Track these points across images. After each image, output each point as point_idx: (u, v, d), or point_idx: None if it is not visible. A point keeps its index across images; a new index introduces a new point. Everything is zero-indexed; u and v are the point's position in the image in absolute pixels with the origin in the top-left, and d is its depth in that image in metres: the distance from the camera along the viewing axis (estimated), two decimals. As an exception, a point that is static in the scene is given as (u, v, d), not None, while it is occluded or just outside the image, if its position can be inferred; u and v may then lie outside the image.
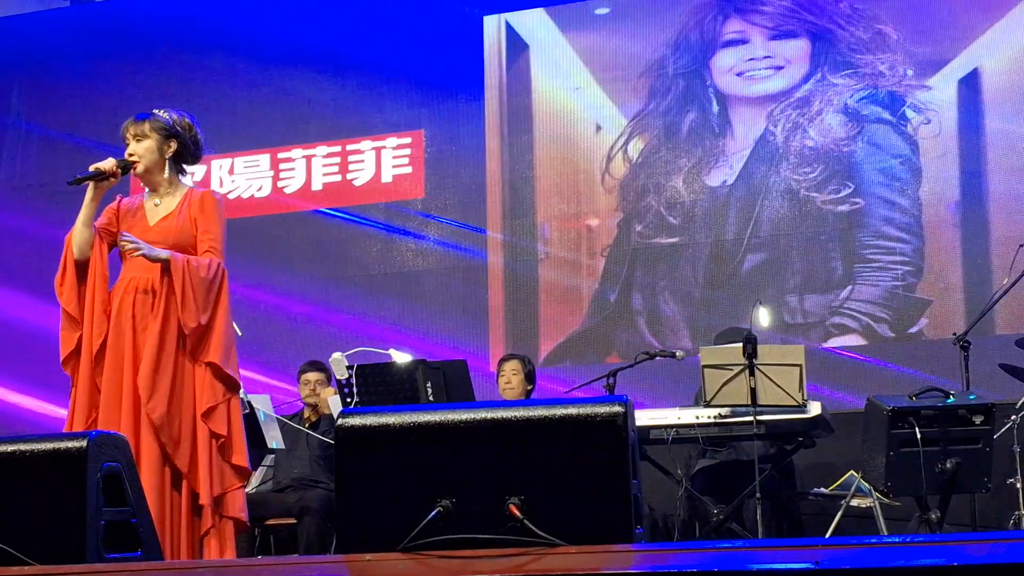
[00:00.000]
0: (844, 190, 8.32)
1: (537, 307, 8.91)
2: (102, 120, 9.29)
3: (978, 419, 5.82)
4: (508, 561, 2.78)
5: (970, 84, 8.20)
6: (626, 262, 8.75)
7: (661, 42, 8.88)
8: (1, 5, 10.49)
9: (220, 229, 4.81)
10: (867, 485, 6.46)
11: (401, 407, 3.24)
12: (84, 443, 3.36)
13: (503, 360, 7.64)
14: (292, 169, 9.66)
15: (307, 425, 7.54)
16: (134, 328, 4.66)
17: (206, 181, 9.61)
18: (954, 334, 6.81)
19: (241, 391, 5.06)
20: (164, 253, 4.64)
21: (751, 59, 8.67)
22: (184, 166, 4.93)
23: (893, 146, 8.30)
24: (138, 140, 4.80)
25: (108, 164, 4.75)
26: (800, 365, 6.27)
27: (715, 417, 6.48)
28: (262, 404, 7.17)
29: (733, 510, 6.64)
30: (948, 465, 5.74)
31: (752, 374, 6.22)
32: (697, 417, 6.53)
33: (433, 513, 2.95)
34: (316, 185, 9.58)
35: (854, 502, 6.66)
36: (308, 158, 9.63)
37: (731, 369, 6.28)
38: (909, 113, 8.28)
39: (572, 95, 9.06)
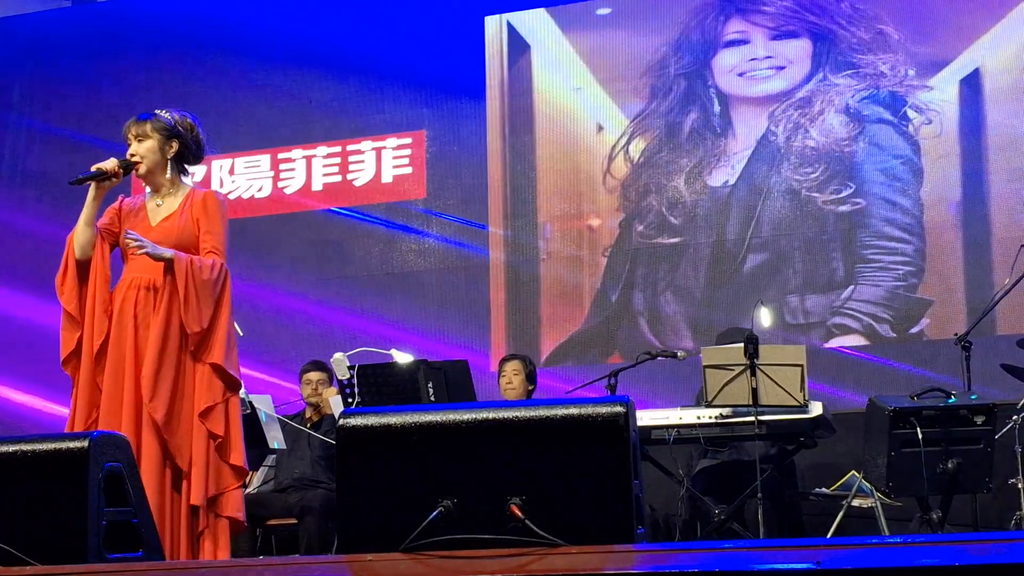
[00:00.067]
0: (845, 190, 8.32)
1: (538, 307, 8.91)
2: (103, 119, 9.30)
3: (979, 419, 5.82)
4: (509, 561, 2.78)
5: (971, 84, 8.20)
6: (627, 262, 8.75)
7: (662, 42, 8.88)
8: (2, 5, 10.50)
9: (223, 230, 4.81)
10: (868, 485, 6.46)
11: (402, 407, 3.24)
12: (85, 443, 3.36)
13: (504, 360, 7.64)
14: (292, 169, 9.66)
15: (308, 425, 7.54)
16: (136, 326, 4.66)
17: (206, 181, 9.61)
18: (955, 334, 6.81)
19: (242, 391, 5.07)
20: (168, 252, 4.64)
21: (752, 59, 8.67)
22: (186, 166, 4.93)
23: (894, 146, 8.30)
24: (140, 140, 4.81)
25: (110, 164, 4.75)
26: (801, 365, 6.27)
27: (716, 417, 6.48)
28: (263, 404, 7.17)
29: (734, 510, 6.64)
30: (949, 465, 5.74)
31: (753, 374, 6.22)
32: (698, 417, 6.52)
33: (434, 513, 2.95)
34: (316, 185, 9.58)
35: (855, 502, 6.66)
36: (308, 158, 9.63)
37: (732, 369, 6.28)
38: (910, 113, 8.28)
39: (573, 95, 9.07)
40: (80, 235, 4.74)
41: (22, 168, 10.26)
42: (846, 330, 8.20)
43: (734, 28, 8.74)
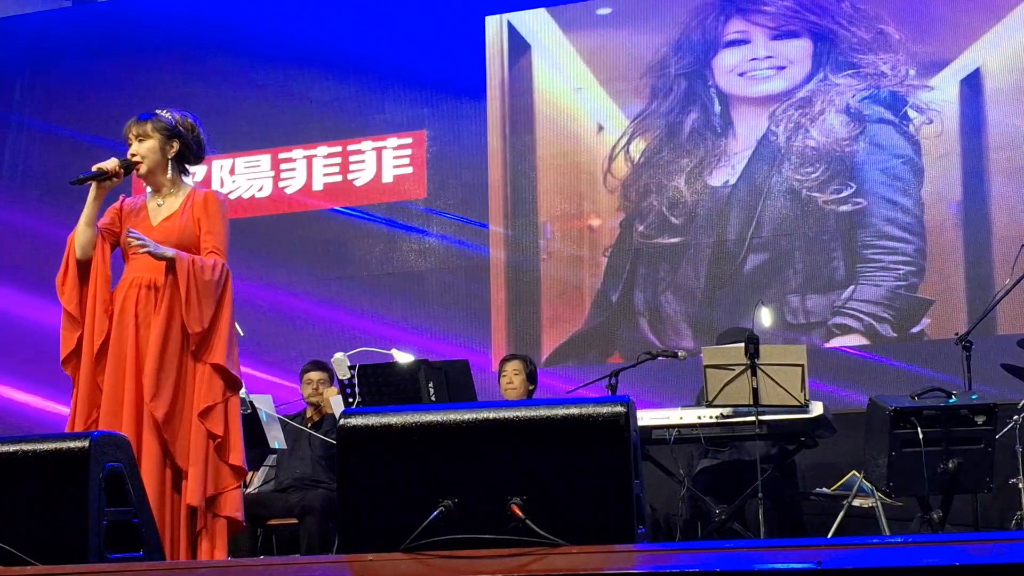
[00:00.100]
0: (846, 190, 8.32)
1: (539, 307, 8.91)
2: (104, 119, 9.29)
3: (980, 419, 5.82)
4: (510, 561, 2.78)
5: (972, 84, 8.20)
6: (628, 262, 8.75)
7: (663, 42, 8.88)
8: (3, 5, 10.50)
9: (224, 230, 4.81)
10: (869, 485, 6.46)
11: (403, 407, 3.25)
12: (86, 443, 3.36)
13: (505, 360, 7.64)
14: (293, 169, 9.66)
15: (309, 425, 7.54)
16: (137, 325, 4.66)
17: (207, 181, 9.61)
18: (956, 334, 6.81)
19: (243, 391, 5.07)
20: (170, 252, 4.64)
21: (753, 59, 8.67)
22: (187, 166, 4.93)
23: (895, 146, 8.30)
24: (141, 140, 4.81)
25: (111, 164, 4.75)
26: (802, 365, 6.27)
27: (717, 417, 6.48)
28: (264, 404, 7.17)
29: (735, 510, 6.64)
30: (950, 465, 5.74)
31: (754, 374, 6.22)
32: (699, 417, 6.52)
33: (435, 513, 2.95)
34: (317, 185, 9.58)
35: (856, 502, 6.65)
36: (309, 158, 9.63)
37: (733, 369, 6.28)
38: (911, 113, 8.28)
39: (574, 95, 9.07)
40: (81, 235, 4.74)
41: (23, 168, 10.26)
42: (847, 330, 8.20)
43: (735, 28, 8.74)
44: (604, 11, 9.09)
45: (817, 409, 6.41)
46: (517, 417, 3.04)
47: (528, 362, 7.56)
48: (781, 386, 6.22)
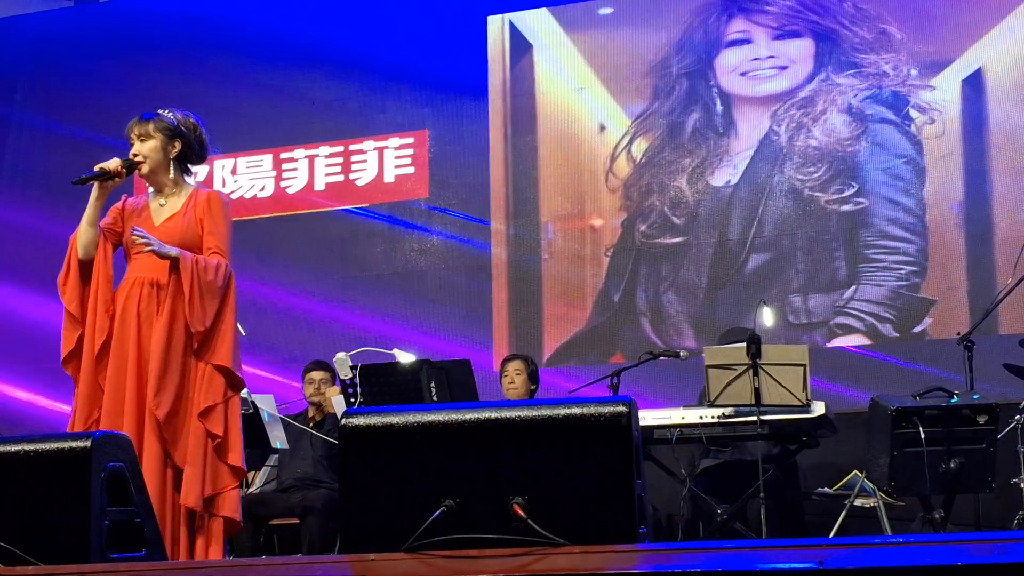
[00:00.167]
0: (848, 190, 8.31)
1: (541, 307, 8.91)
2: (106, 119, 9.28)
3: (982, 419, 5.82)
4: (512, 561, 2.78)
5: (974, 84, 8.20)
6: (630, 262, 8.74)
7: (665, 42, 8.88)
8: (5, 5, 10.50)
9: (227, 230, 4.82)
10: (871, 485, 6.46)
11: (405, 407, 3.25)
12: (88, 443, 3.37)
13: (506, 360, 7.65)
14: (295, 169, 9.66)
15: (311, 425, 7.54)
16: (139, 324, 4.66)
17: (209, 181, 9.61)
18: (958, 334, 6.81)
19: (245, 391, 5.07)
20: (174, 251, 4.64)
21: (755, 59, 8.67)
22: (189, 166, 4.93)
23: (897, 146, 8.30)
24: (142, 140, 4.81)
25: (113, 164, 4.75)
26: (804, 365, 6.27)
27: (719, 417, 6.47)
28: (266, 404, 7.17)
29: (737, 510, 6.64)
30: (952, 465, 5.74)
31: (756, 374, 6.22)
32: (701, 417, 6.52)
33: (437, 513, 2.95)
34: (319, 185, 9.58)
35: (858, 502, 6.65)
36: (311, 158, 9.63)
37: (735, 369, 6.28)
38: (913, 113, 8.28)
39: (576, 95, 9.07)
40: (83, 235, 4.74)
41: (25, 167, 10.27)
42: (849, 330, 8.20)
43: (736, 28, 8.74)
44: (606, 11, 9.09)
45: (819, 409, 6.41)
46: (519, 417, 3.04)
47: (530, 362, 7.56)
48: (783, 386, 6.22)
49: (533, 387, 7.50)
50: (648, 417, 6.49)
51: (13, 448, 3.40)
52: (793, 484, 7.09)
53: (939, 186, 8.20)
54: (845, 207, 8.31)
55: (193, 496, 4.56)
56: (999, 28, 8.16)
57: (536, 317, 8.90)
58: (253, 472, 7.62)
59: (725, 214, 8.57)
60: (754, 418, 6.31)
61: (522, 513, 2.93)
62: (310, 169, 9.62)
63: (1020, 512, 6.06)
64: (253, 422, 6.85)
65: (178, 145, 4.83)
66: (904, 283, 8.14)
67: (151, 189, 4.91)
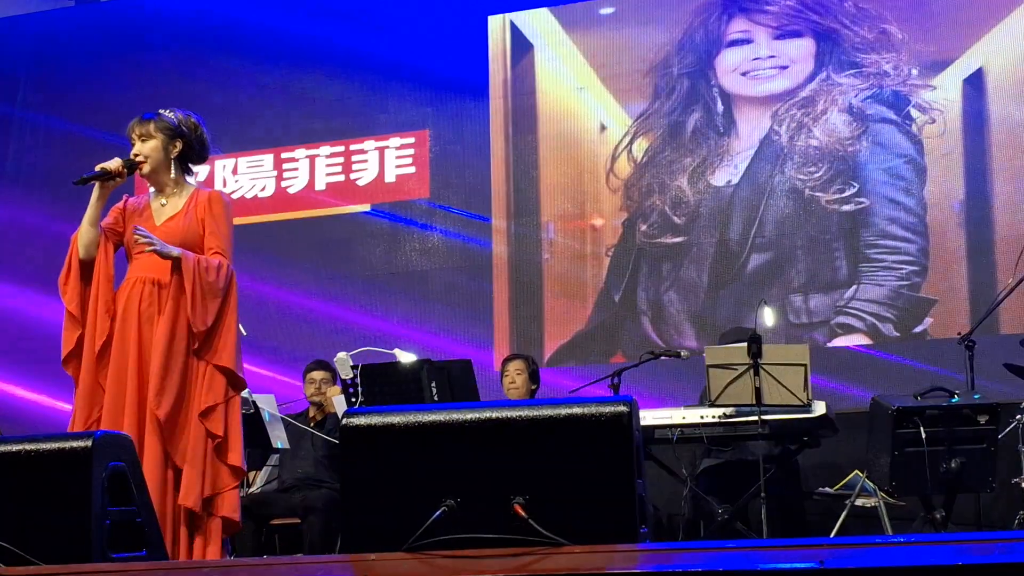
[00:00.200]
0: (849, 190, 8.31)
1: (542, 307, 8.91)
2: (107, 118, 9.30)
3: (983, 419, 5.82)
4: (513, 561, 2.78)
5: (975, 83, 8.19)
6: (631, 261, 8.74)
7: (666, 42, 8.88)
8: (6, 5, 10.51)
9: (228, 231, 4.82)
10: (872, 485, 6.46)
11: (406, 407, 3.25)
12: (89, 443, 3.37)
13: (507, 360, 7.66)
14: (296, 169, 9.66)
15: (312, 424, 7.54)
16: (140, 323, 4.66)
17: (209, 181, 9.61)
18: (959, 334, 6.81)
19: (246, 390, 5.07)
20: (176, 251, 4.65)
21: (756, 59, 8.67)
22: (190, 166, 4.93)
23: (898, 145, 8.30)
24: (143, 140, 4.81)
25: (114, 164, 4.75)
26: (805, 365, 6.26)
27: (720, 417, 6.47)
28: (267, 404, 7.17)
29: (738, 510, 6.64)
30: (953, 465, 5.74)
31: (757, 374, 6.22)
32: (702, 417, 6.52)
33: (438, 513, 2.95)
34: (320, 185, 9.58)
35: (859, 502, 6.65)
36: (312, 158, 9.63)
37: (736, 369, 6.28)
38: (914, 112, 8.28)
39: (577, 95, 9.07)
40: (84, 235, 4.74)
41: (26, 166, 10.27)
42: (849, 329, 8.20)
43: (737, 27, 8.74)
44: (607, 11, 9.09)
45: (820, 409, 6.41)
46: (520, 417, 3.04)
47: (530, 362, 7.57)
48: (784, 386, 6.22)
49: (534, 387, 7.50)
50: (649, 417, 6.49)
51: (14, 448, 3.41)
52: (794, 484, 7.09)
53: (940, 186, 8.20)
54: (846, 207, 8.31)
55: (192, 496, 4.56)
56: (1000, 27, 8.16)
57: (537, 317, 8.91)
58: (254, 472, 7.63)
59: (726, 214, 8.57)
60: (755, 418, 6.31)
61: (523, 513, 2.93)
62: (311, 169, 9.62)
63: (1021, 512, 6.06)
64: (254, 422, 6.86)
65: (179, 145, 4.83)
66: (905, 283, 8.14)
67: (152, 189, 4.91)
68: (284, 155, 9.70)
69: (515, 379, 7.44)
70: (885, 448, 5.83)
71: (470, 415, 3.07)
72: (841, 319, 8.22)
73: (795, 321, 8.30)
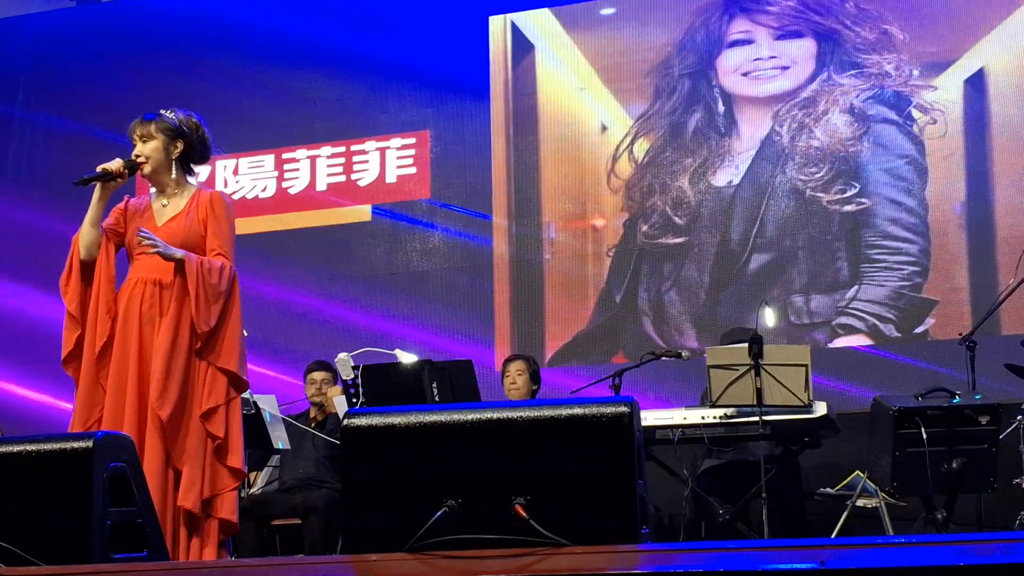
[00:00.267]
0: (850, 190, 8.31)
1: (543, 307, 8.91)
2: (108, 119, 9.30)
3: (984, 419, 5.82)
4: (514, 561, 2.78)
5: (976, 84, 8.19)
6: (632, 262, 8.74)
7: (667, 42, 8.88)
8: (7, 5, 10.51)
9: (230, 232, 4.81)
10: (873, 485, 6.46)
11: (407, 407, 3.25)
12: (90, 443, 3.37)
13: (508, 360, 7.65)
14: (296, 170, 9.66)
15: (313, 425, 7.54)
16: (141, 324, 4.66)
17: (210, 181, 9.61)
18: (960, 334, 6.81)
19: (247, 391, 5.06)
20: (179, 253, 4.64)
21: (757, 59, 8.67)
22: (192, 166, 4.93)
23: (899, 146, 8.29)
24: (144, 141, 4.81)
25: (115, 165, 4.75)
26: (806, 365, 6.26)
27: (721, 417, 6.47)
28: (267, 404, 7.17)
29: (739, 510, 6.63)
30: (954, 465, 5.73)
31: (758, 374, 6.22)
32: (703, 417, 6.52)
33: (439, 513, 2.95)
34: (321, 185, 9.59)
35: (860, 502, 6.65)
36: (312, 158, 9.63)
37: (737, 369, 6.27)
38: (915, 113, 8.28)
39: (578, 95, 9.07)
40: (85, 236, 4.74)
41: (27, 166, 10.28)
42: (851, 330, 8.20)
43: (738, 28, 8.74)
44: (608, 11, 9.09)
45: (821, 409, 6.41)
46: (521, 417, 3.04)
47: (531, 362, 7.57)
48: (785, 386, 6.22)
49: (535, 387, 7.50)
50: (650, 417, 6.49)
51: (15, 448, 3.41)
52: (795, 484, 7.09)
53: (941, 186, 8.20)
54: (847, 207, 8.31)
55: (191, 497, 4.56)
56: (1001, 28, 8.16)
57: (538, 317, 8.91)
58: (255, 472, 7.63)
59: (727, 214, 8.57)
60: (756, 418, 6.31)
61: (524, 513, 2.93)
62: (312, 169, 9.62)
63: (1022, 512, 6.06)
64: (255, 422, 6.86)
65: (180, 145, 4.83)
66: (906, 283, 8.14)
67: (153, 189, 4.91)
68: (285, 156, 9.70)
69: (516, 379, 7.44)
70: (886, 448, 5.83)
71: (471, 415, 3.07)
72: (842, 320, 8.22)
73: (796, 322, 8.30)
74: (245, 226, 8.72)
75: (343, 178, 9.54)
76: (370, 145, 9.50)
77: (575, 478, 2.98)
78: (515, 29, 9.26)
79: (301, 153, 9.66)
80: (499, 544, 2.90)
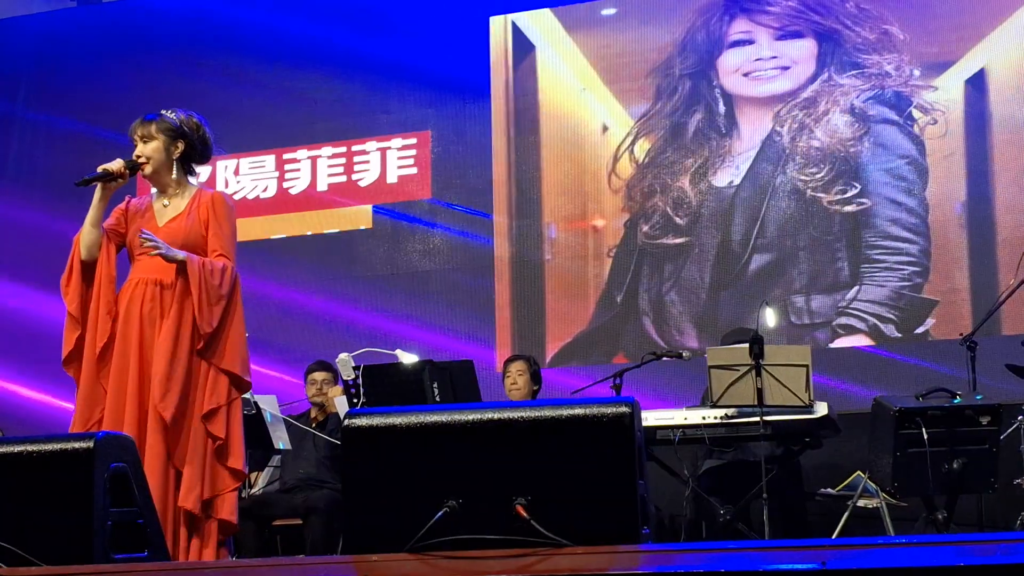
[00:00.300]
0: (850, 190, 8.31)
1: (544, 307, 8.91)
2: (109, 119, 9.30)
3: (985, 420, 5.82)
4: (514, 562, 2.78)
5: (976, 84, 8.19)
6: (632, 262, 8.74)
7: (667, 42, 8.88)
8: (8, 5, 10.52)
9: (231, 232, 4.81)
10: (874, 485, 6.46)
11: (408, 407, 3.25)
12: (91, 443, 3.37)
13: (509, 360, 7.65)
14: (297, 170, 9.67)
15: (314, 425, 7.54)
16: (141, 324, 4.66)
17: (211, 181, 9.60)
18: (961, 334, 6.81)
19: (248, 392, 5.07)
20: (181, 254, 4.64)
21: (758, 59, 8.67)
22: (193, 166, 4.92)
23: (899, 146, 8.29)
24: (145, 141, 4.80)
25: (116, 165, 4.75)
26: (807, 366, 6.26)
27: (722, 418, 6.47)
28: (268, 404, 7.17)
29: (740, 510, 6.63)
30: (955, 465, 5.73)
31: (759, 375, 6.22)
32: (704, 417, 6.51)
33: (440, 513, 2.95)
34: (321, 186, 9.59)
35: (861, 502, 6.65)
36: (313, 159, 9.63)
37: (738, 370, 6.27)
38: (915, 113, 8.28)
39: (578, 96, 9.07)
40: (86, 236, 4.74)
41: (28, 166, 10.28)
42: (851, 330, 8.20)
43: (739, 28, 8.74)
44: (609, 11, 9.09)
45: (822, 409, 6.41)
46: (521, 417, 3.04)
47: (532, 362, 7.57)
48: (785, 387, 6.22)
49: (536, 387, 7.50)
50: (651, 418, 6.49)
51: (16, 448, 3.41)
52: (796, 485, 7.08)
53: (942, 186, 8.20)
54: (848, 207, 8.31)
55: (191, 498, 4.56)
56: (1002, 28, 8.16)
57: (539, 317, 8.91)
58: (256, 473, 7.63)
59: (728, 214, 8.57)
60: (757, 419, 6.31)
61: (525, 514, 2.93)
62: (313, 170, 9.62)
63: (1023, 512, 6.06)
64: (256, 422, 6.86)
65: (181, 146, 4.83)
66: (907, 284, 8.14)
67: (154, 190, 4.91)
68: (286, 156, 9.70)
69: (517, 380, 7.44)
70: (887, 449, 5.83)
71: (472, 416, 3.07)
72: (843, 320, 8.22)
73: (797, 322, 8.30)
74: (246, 226, 8.69)
75: (344, 178, 9.54)
76: (371, 145, 9.50)
77: (576, 478, 2.98)
78: (516, 29, 9.26)
79: (302, 153, 9.66)
80: (500, 544, 2.90)
